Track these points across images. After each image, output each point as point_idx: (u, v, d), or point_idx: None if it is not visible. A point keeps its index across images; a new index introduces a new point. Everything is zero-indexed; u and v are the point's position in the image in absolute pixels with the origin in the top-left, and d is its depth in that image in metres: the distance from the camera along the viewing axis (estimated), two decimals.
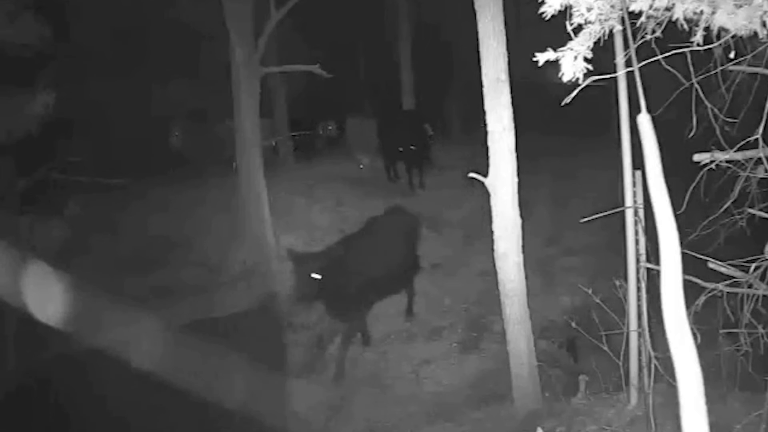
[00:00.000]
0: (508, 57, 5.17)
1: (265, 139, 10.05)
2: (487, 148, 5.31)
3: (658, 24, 3.11)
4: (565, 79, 3.14)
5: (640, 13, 3.02)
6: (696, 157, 3.93)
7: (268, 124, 11.62)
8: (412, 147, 11.85)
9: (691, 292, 3.00)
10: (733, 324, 4.02)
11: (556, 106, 3.65)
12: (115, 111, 10.63)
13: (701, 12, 2.93)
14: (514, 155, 5.28)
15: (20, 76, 6.59)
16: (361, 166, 12.55)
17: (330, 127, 14.28)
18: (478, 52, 5.21)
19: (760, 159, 3.74)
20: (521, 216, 5.38)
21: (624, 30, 3.10)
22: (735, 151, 3.81)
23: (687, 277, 2.64)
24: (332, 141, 14.41)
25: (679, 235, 2.58)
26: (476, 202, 6.92)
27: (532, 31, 4.09)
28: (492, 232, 5.40)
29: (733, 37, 3.10)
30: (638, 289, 4.60)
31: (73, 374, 4.32)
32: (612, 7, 3.08)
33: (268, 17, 8.88)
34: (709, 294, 3.85)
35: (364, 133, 13.53)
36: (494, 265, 5.47)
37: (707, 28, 2.99)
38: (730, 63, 3.58)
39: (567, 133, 12.49)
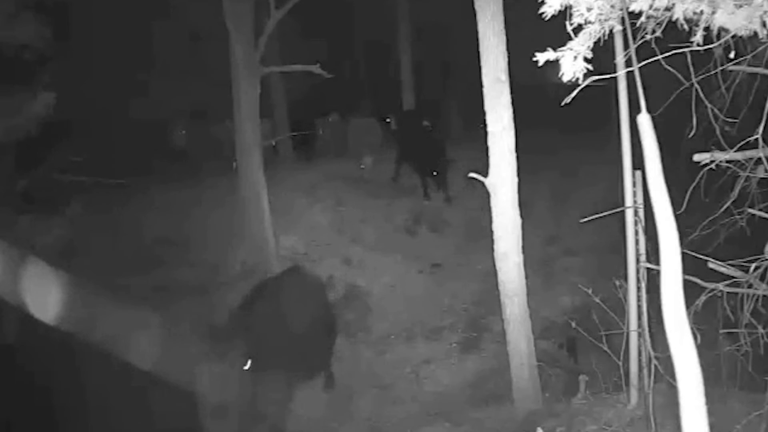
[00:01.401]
0: (508, 57, 5.18)
1: (265, 139, 10.03)
2: (487, 148, 5.31)
3: (658, 24, 3.11)
4: (565, 79, 3.13)
5: (640, 13, 3.01)
6: (696, 157, 3.92)
7: (268, 124, 11.61)
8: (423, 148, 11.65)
9: (691, 292, 3.00)
10: (733, 324, 4.01)
11: (556, 105, 3.65)
12: (115, 111, 10.63)
13: (701, 12, 2.93)
14: (514, 155, 5.29)
15: (20, 76, 6.60)
16: (362, 167, 12.47)
17: (325, 129, 14.23)
18: (478, 52, 5.21)
19: (760, 159, 3.73)
20: (521, 215, 5.39)
21: (624, 30, 3.10)
22: (735, 151, 3.80)
23: (687, 277, 2.64)
24: (331, 141, 14.38)
25: (679, 235, 2.57)
26: (476, 202, 6.92)
27: (532, 31, 4.08)
28: (492, 232, 5.40)
29: (733, 37, 3.09)
30: (638, 289, 4.60)
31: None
32: (612, 7, 3.08)
33: (269, 17, 8.87)
34: (709, 294, 3.85)
35: (364, 133, 13.49)
36: (494, 265, 5.48)
37: (707, 28, 2.99)
38: (730, 63, 3.57)
39: (567, 131, 12.48)
